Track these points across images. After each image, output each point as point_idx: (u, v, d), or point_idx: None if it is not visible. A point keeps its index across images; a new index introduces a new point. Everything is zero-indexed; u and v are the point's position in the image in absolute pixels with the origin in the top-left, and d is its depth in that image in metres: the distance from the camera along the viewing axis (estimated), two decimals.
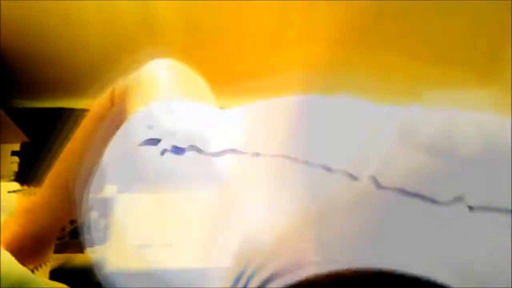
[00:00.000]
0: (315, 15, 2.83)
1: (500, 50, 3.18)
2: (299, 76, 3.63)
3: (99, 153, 0.80)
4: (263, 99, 1.12)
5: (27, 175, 3.25)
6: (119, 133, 0.81)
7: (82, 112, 3.89)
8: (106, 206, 0.71)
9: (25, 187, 2.80)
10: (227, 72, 3.40)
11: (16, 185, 2.79)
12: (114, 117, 0.95)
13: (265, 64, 3.31)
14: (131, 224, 0.69)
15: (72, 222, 3.52)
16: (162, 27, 2.99)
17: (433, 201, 0.58)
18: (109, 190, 0.71)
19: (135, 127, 0.79)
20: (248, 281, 0.55)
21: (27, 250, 1.08)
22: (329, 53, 3.04)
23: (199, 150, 0.74)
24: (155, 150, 0.76)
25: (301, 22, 2.97)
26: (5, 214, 2.58)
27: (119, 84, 1.00)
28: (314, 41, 3.21)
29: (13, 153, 3.40)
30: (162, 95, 0.91)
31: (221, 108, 0.97)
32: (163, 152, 0.75)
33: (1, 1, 2.73)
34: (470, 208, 0.58)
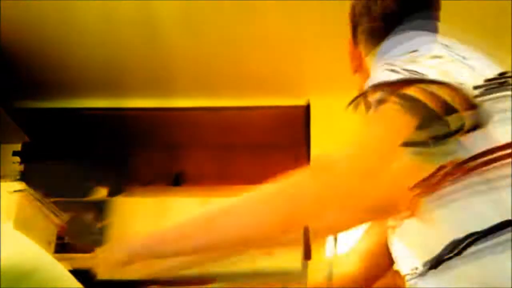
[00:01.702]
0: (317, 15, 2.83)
1: (500, 49, 3.17)
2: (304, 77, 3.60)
3: None
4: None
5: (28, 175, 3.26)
6: None
7: (83, 112, 3.85)
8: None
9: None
10: (229, 72, 3.41)
11: (18, 185, 2.80)
12: None
13: (268, 65, 3.32)
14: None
15: (72, 222, 3.52)
16: (162, 28, 2.99)
17: None
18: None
19: None
20: None
21: None
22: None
23: None
24: None
25: (306, 23, 2.97)
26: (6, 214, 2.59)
27: None
28: (319, 42, 3.20)
29: (15, 153, 3.40)
30: None
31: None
32: None
33: (1, 2, 2.73)
34: None
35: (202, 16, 2.84)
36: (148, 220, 3.49)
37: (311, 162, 0.79)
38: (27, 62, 3.16)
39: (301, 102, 3.48)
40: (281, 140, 3.84)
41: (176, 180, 3.89)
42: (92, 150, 3.79)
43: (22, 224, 2.65)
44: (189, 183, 3.88)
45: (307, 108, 3.45)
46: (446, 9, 3.24)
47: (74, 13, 2.80)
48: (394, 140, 0.82)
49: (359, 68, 1.12)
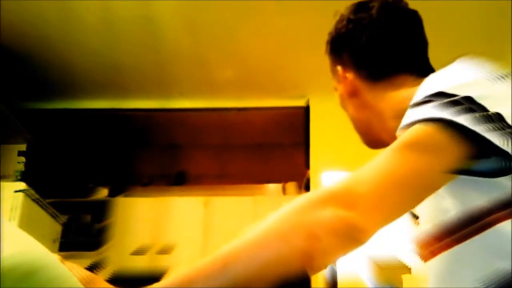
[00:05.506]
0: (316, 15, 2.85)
1: (500, 50, 3.18)
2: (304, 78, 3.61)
3: None
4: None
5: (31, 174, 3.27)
6: None
7: (84, 113, 3.84)
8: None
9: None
10: (229, 72, 3.42)
11: (22, 185, 2.82)
12: None
13: (268, 65, 3.32)
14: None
15: (74, 221, 3.53)
16: (163, 28, 3.00)
17: None
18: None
19: None
20: None
21: None
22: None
23: None
24: None
25: (306, 23, 2.97)
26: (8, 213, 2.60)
27: None
28: (319, 42, 3.19)
29: (20, 153, 3.41)
30: None
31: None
32: None
33: (2, 2, 2.74)
34: None
35: (202, 16, 2.85)
36: (149, 220, 3.50)
37: (330, 194, 0.65)
38: (29, 63, 3.18)
39: (301, 102, 3.49)
40: (281, 140, 3.85)
41: (177, 180, 3.90)
42: (94, 150, 3.81)
43: (26, 223, 2.67)
44: (190, 183, 3.89)
45: (307, 109, 3.47)
46: (446, 9, 3.25)
47: (75, 13, 2.82)
48: (437, 171, 0.66)
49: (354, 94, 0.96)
